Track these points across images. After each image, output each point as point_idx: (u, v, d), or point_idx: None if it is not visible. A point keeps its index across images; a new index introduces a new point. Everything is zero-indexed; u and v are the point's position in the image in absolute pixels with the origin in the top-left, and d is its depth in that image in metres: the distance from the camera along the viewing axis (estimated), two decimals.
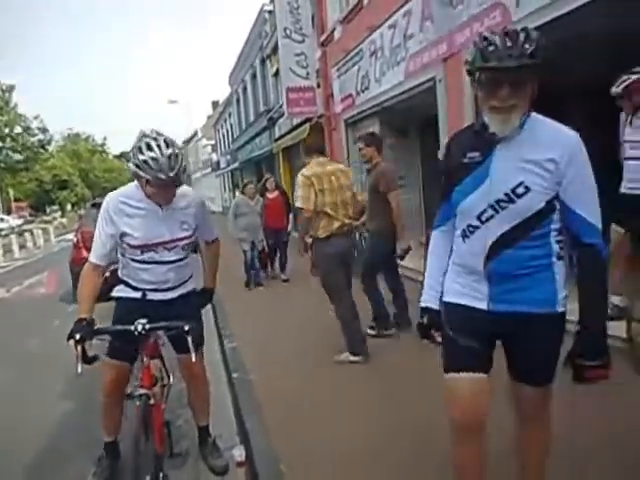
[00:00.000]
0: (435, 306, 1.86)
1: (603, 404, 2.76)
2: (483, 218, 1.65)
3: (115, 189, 2.56)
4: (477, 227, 1.68)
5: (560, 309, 1.69)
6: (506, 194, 1.59)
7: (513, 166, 1.58)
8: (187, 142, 46.31)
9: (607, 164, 4.08)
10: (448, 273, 1.84)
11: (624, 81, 3.73)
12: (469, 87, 5.72)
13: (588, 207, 1.61)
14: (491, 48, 1.50)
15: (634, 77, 3.69)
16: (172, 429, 2.70)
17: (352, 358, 4.02)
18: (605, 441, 2.51)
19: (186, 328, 2.08)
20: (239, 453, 2.41)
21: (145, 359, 2.21)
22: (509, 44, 1.48)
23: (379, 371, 3.87)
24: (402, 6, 6.92)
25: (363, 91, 8.72)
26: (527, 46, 1.47)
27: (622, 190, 3.91)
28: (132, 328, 2.09)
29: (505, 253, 1.64)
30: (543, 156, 1.56)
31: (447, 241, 1.84)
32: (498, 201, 1.61)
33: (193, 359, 2.11)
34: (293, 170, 15.60)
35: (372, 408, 3.25)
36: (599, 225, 1.63)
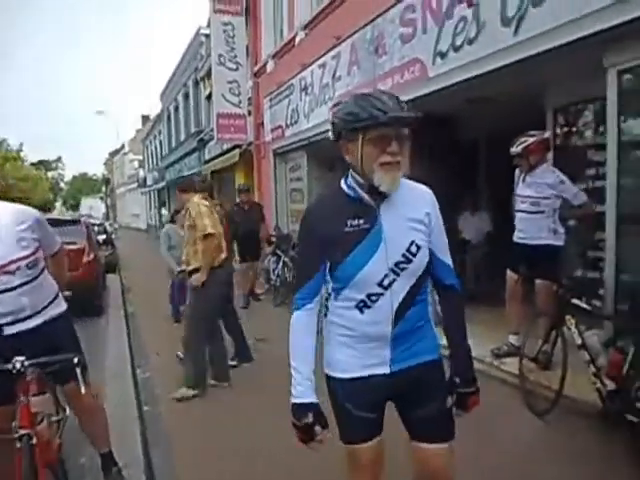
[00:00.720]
0: (314, 399, 1.65)
1: (492, 434, 3.01)
2: (385, 283, 1.61)
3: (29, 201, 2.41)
4: (380, 294, 1.62)
5: (440, 355, 1.78)
6: (403, 255, 1.61)
7: (401, 227, 1.61)
8: (113, 154, 44.58)
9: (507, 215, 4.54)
10: (332, 347, 1.73)
11: (523, 142, 4.17)
12: None
13: (446, 253, 1.74)
14: (380, 104, 1.50)
15: (531, 140, 4.14)
16: (73, 466, 2.60)
17: (190, 392, 4.12)
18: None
19: (75, 360, 1.99)
20: None
21: (22, 398, 2.05)
22: (395, 101, 1.53)
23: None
24: (332, 49, 7.27)
25: (292, 124, 8.96)
26: (402, 105, 1.53)
27: (514, 239, 4.33)
28: (10, 367, 1.95)
29: (408, 312, 1.66)
30: (419, 213, 1.64)
31: (313, 319, 1.71)
32: (397, 263, 1.60)
33: (83, 391, 2.04)
34: (221, 193, 15.53)
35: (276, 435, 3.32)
36: (452, 267, 1.78)
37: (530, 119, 4.71)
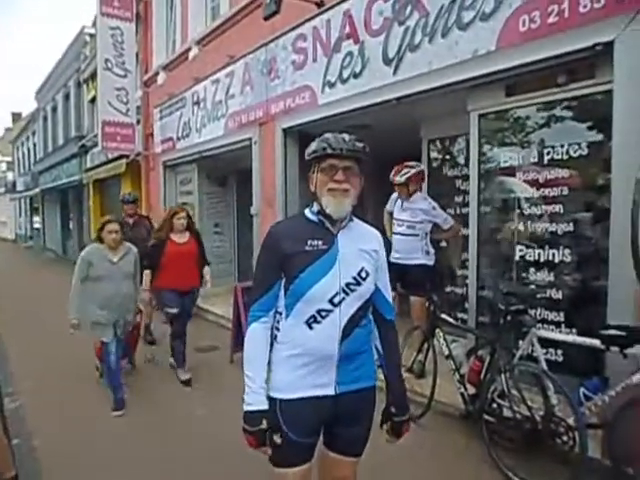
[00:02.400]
0: (267, 406, 1.76)
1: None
2: (335, 301, 1.74)
3: None
4: (330, 311, 1.74)
5: (375, 382, 1.92)
6: (354, 277, 1.77)
7: (354, 253, 1.80)
8: None
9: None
10: (279, 368, 1.80)
11: (406, 173, 4.58)
12: (281, 151, 6.33)
13: (388, 291, 1.95)
14: (332, 140, 1.75)
15: (413, 171, 4.59)
16: None
17: None
18: None
19: None
20: None
21: None
22: (347, 139, 1.77)
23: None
24: (226, 66, 7.33)
25: (184, 137, 8.82)
26: (358, 144, 1.78)
27: (390, 259, 4.72)
28: None
29: (354, 333, 1.78)
30: (369, 247, 1.85)
31: (267, 333, 1.81)
32: (348, 284, 1.76)
33: None
34: (104, 204, 14.66)
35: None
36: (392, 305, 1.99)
37: (407, 148, 5.20)
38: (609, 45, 3.19)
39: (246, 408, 1.76)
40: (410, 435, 3.40)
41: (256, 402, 1.74)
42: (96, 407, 4.29)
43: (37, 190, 21.70)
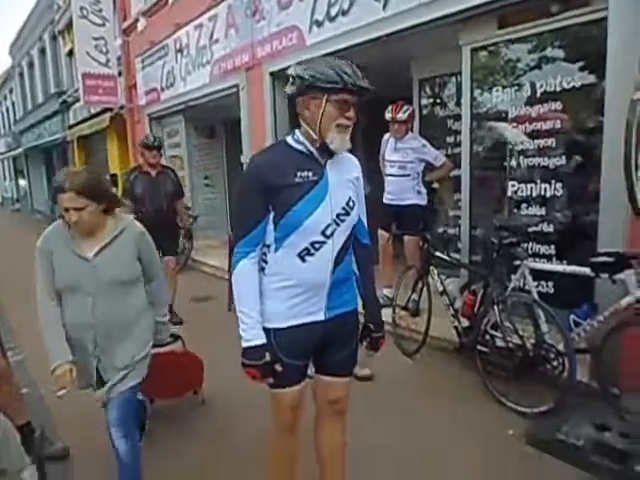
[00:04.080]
0: (265, 340, 1.78)
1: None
2: (328, 232, 1.74)
3: None
4: (323, 242, 1.74)
5: (357, 305, 1.99)
6: (343, 208, 1.77)
7: (342, 183, 1.79)
8: None
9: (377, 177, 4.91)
10: (269, 300, 1.81)
11: (407, 109, 4.53)
12: (270, 96, 6.18)
13: (364, 215, 1.96)
14: (350, 71, 1.65)
15: (412, 108, 4.58)
16: None
17: None
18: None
19: None
20: (30, 473, 2.32)
21: None
22: (359, 72, 1.68)
23: None
24: (208, 9, 7.04)
25: (168, 87, 8.57)
26: (363, 76, 1.69)
27: (384, 201, 4.74)
28: None
29: (342, 262, 1.82)
30: (352, 175, 1.85)
31: (256, 268, 1.80)
32: (338, 215, 1.76)
33: None
34: (90, 161, 14.38)
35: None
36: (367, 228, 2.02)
37: (398, 89, 5.10)
38: None
39: (246, 344, 1.76)
40: (406, 370, 3.57)
41: (256, 337, 1.76)
42: None
43: (20, 150, 21.23)
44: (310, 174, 1.72)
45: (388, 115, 4.56)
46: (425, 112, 5.36)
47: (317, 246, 1.74)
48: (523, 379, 3.17)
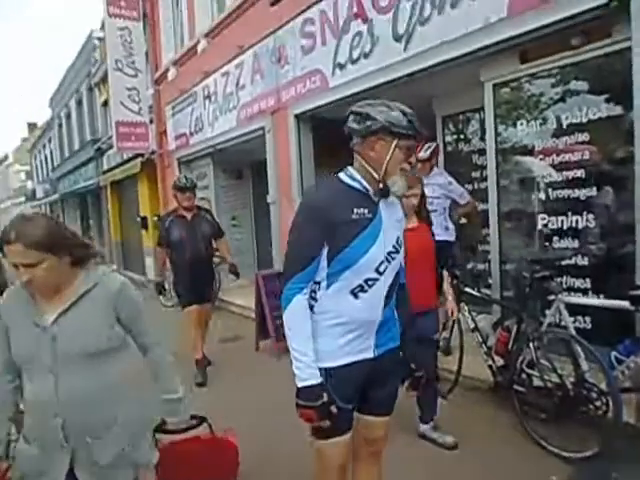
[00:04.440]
0: (322, 379, 1.72)
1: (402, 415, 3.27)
2: (381, 269, 1.75)
3: None
4: (376, 279, 1.75)
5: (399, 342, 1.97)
6: (394, 246, 1.80)
7: (391, 223, 1.82)
8: None
9: None
10: (321, 338, 1.76)
11: (430, 147, 4.57)
12: (295, 137, 6.31)
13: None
14: (414, 120, 1.71)
15: (434, 145, 4.61)
16: None
17: None
18: None
19: None
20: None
21: None
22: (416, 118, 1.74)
23: None
24: (235, 58, 7.32)
25: (197, 132, 8.87)
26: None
27: None
28: None
29: (391, 299, 1.84)
30: (399, 216, 1.90)
31: (307, 305, 1.76)
32: (389, 253, 1.78)
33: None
34: (122, 205, 14.84)
35: None
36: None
37: (422, 126, 5.13)
38: (624, 0, 3.10)
39: (302, 384, 1.70)
40: (441, 411, 3.42)
41: (312, 376, 1.70)
42: None
43: (56, 196, 22.09)
44: (366, 212, 1.73)
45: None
46: (449, 148, 5.38)
47: (370, 283, 1.75)
48: (564, 421, 3.00)
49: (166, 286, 5.12)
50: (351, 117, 1.75)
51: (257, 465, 2.88)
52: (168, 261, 4.77)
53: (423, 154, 4.57)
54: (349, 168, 1.80)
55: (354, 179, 1.77)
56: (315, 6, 5.58)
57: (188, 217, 4.67)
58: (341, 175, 1.81)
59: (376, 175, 1.74)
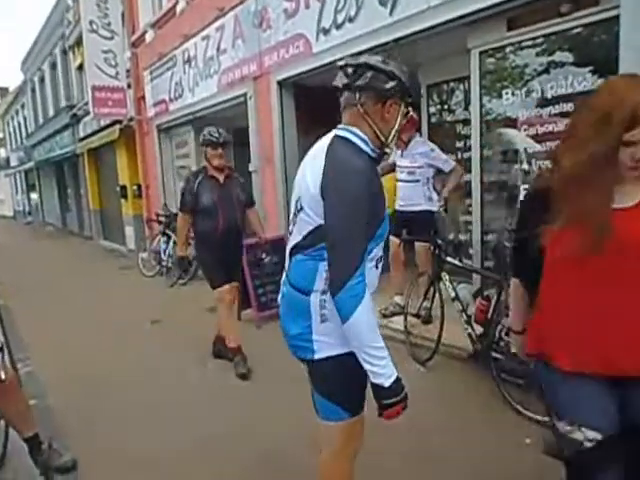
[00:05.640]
0: None
1: None
2: (382, 244, 1.69)
3: None
4: (382, 255, 1.71)
5: None
6: None
7: None
8: None
9: None
10: None
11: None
12: (277, 104, 6.18)
13: None
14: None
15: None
16: None
17: None
18: None
19: None
20: None
21: None
22: None
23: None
24: (215, 20, 7.08)
25: (177, 98, 8.62)
26: None
27: (395, 207, 4.69)
28: None
29: None
30: None
31: None
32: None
33: (3, 376, 1.95)
34: (100, 174, 14.50)
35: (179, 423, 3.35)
36: None
37: None
38: None
39: (391, 380, 1.54)
40: (419, 378, 3.49)
41: (395, 370, 1.57)
42: (106, 364, 4.36)
43: (31, 164, 21.47)
44: (378, 180, 1.63)
45: None
46: (434, 119, 5.33)
47: (380, 256, 1.69)
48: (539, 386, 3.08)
49: (192, 261, 4.44)
50: (369, 73, 1.55)
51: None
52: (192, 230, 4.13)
53: None
54: (356, 130, 1.59)
55: (367, 144, 1.60)
56: None
57: (220, 179, 3.98)
58: (350, 137, 1.59)
59: (383, 139, 1.62)
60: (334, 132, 1.64)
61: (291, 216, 1.72)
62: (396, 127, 1.63)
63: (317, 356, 1.66)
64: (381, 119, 1.59)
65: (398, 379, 1.57)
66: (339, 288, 1.47)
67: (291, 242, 1.70)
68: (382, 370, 1.53)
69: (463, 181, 4.71)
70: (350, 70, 1.59)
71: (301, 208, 1.61)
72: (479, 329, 3.57)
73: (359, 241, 1.50)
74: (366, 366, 1.53)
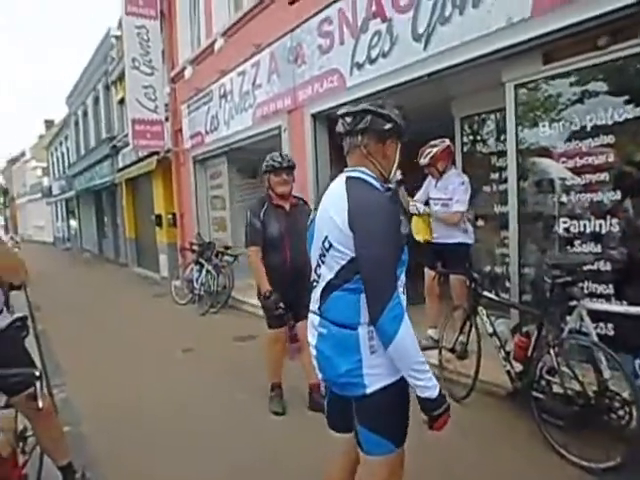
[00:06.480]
0: None
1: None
2: (404, 269, 1.76)
3: None
4: (405, 281, 1.78)
5: None
6: None
7: None
8: (12, 162, 41.25)
9: None
10: None
11: (429, 153, 4.50)
12: (311, 137, 6.29)
13: None
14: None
15: (435, 149, 4.49)
16: None
17: None
18: None
19: (36, 373, 1.94)
20: None
21: None
22: None
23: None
24: (252, 56, 7.32)
25: (212, 131, 8.88)
26: None
27: (430, 239, 4.64)
28: None
29: None
30: None
31: None
32: None
33: (41, 405, 1.99)
34: (136, 203, 14.94)
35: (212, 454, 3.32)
36: None
37: (439, 126, 5.08)
38: None
39: (436, 391, 1.62)
40: (455, 415, 3.37)
41: (436, 383, 1.64)
42: (138, 392, 4.38)
43: (72, 193, 22.34)
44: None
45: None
46: (467, 149, 5.31)
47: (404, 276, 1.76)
48: (584, 429, 2.93)
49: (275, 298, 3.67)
50: (368, 117, 1.71)
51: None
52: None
53: (422, 160, 4.53)
54: (364, 169, 1.75)
55: (376, 180, 1.76)
56: (333, 5, 5.54)
57: (286, 207, 3.70)
58: (361, 176, 1.74)
59: (385, 175, 1.79)
60: (345, 174, 1.78)
61: (316, 258, 1.78)
62: (396, 163, 1.80)
63: (369, 390, 1.68)
64: (383, 157, 1.76)
65: (441, 392, 1.64)
66: (380, 312, 1.56)
67: (322, 283, 1.76)
68: (430, 383, 1.61)
69: (450, 223, 4.46)
70: (350, 117, 1.76)
71: (330, 246, 1.69)
72: (518, 366, 3.45)
73: (391, 265, 1.62)
74: (414, 382, 1.61)
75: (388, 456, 1.73)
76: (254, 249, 3.64)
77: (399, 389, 1.69)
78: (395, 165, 1.79)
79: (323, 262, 1.74)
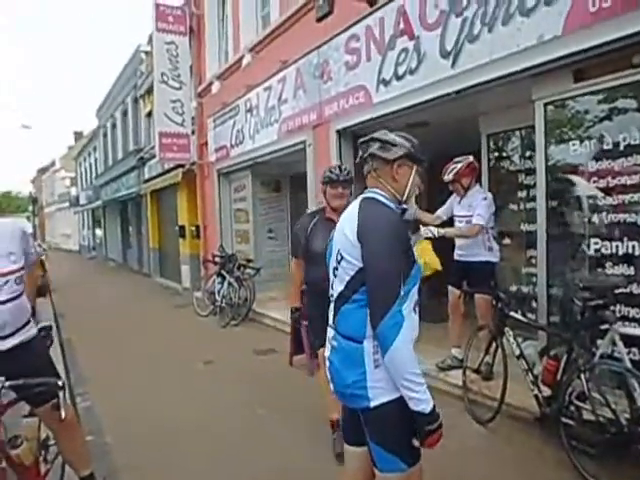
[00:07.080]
0: None
1: None
2: (417, 286, 1.82)
3: None
4: (418, 299, 1.84)
5: None
6: None
7: None
8: (42, 172, 42.38)
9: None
10: None
11: (452, 169, 4.48)
12: (336, 152, 6.31)
13: None
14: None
15: (459, 165, 4.46)
16: None
17: None
18: None
19: (60, 383, 1.96)
20: None
21: None
22: None
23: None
24: (278, 72, 7.41)
25: (238, 144, 8.99)
26: None
27: (454, 257, 4.58)
28: None
29: None
30: None
31: None
32: None
33: (63, 415, 2.01)
34: (161, 214, 15.17)
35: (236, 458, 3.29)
36: None
37: (466, 144, 5.05)
38: None
39: (432, 405, 1.66)
40: (479, 439, 3.29)
41: (430, 397, 1.67)
42: (159, 403, 4.39)
43: (99, 203, 22.83)
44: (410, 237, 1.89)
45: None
46: (494, 167, 5.24)
47: (416, 302, 1.80)
48: (617, 458, 2.83)
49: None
50: (376, 144, 1.87)
51: None
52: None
53: (446, 177, 4.50)
54: (377, 190, 1.87)
55: (388, 200, 1.86)
56: (361, 22, 5.58)
57: (337, 221, 3.68)
58: (375, 196, 1.87)
59: (399, 197, 1.88)
60: (361, 197, 1.91)
61: (331, 273, 1.91)
62: (409, 185, 1.88)
63: (373, 403, 1.72)
64: (392, 180, 1.86)
65: (434, 407, 1.67)
66: (381, 317, 1.64)
67: (334, 296, 1.87)
68: (423, 396, 1.65)
69: (469, 235, 4.35)
70: (364, 146, 1.92)
71: (342, 258, 1.81)
72: (547, 391, 3.35)
73: (396, 277, 1.68)
74: (407, 394, 1.64)
75: (401, 474, 1.74)
76: (296, 261, 3.60)
77: (403, 405, 1.68)
78: (409, 187, 1.88)
79: (336, 275, 1.85)
